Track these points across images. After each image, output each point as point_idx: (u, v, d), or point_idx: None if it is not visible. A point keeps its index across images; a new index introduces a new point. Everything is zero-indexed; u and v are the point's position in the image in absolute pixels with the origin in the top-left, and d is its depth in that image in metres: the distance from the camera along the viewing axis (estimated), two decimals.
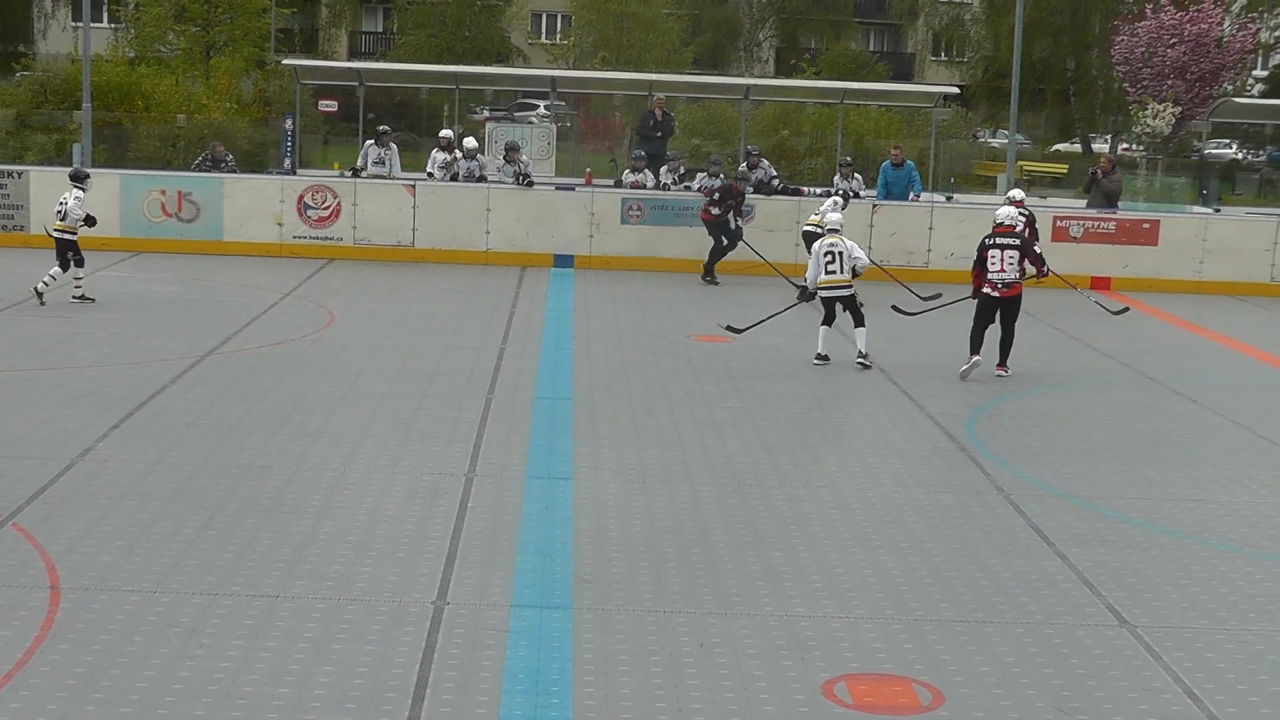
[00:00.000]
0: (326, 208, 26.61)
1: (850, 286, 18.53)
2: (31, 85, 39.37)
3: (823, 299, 18.64)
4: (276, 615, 9.80)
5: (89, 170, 22.82)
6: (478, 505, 12.26)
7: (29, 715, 8.25)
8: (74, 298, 20.81)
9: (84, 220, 20.83)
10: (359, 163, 28.28)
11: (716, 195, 25.04)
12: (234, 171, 27.98)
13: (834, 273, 18.46)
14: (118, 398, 15.39)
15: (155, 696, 8.53)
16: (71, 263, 20.79)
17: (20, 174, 27.23)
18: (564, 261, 26.42)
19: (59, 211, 20.98)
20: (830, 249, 18.53)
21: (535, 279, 24.98)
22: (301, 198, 26.68)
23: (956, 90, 36.28)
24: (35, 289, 20.56)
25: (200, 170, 27.90)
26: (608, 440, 14.57)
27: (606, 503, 12.50)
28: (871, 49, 77.40)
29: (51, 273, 20.81)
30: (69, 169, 23.65)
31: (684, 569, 10.97)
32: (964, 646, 9.72)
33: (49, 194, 26.16)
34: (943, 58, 76.20)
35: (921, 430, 15.59)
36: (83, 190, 21.17)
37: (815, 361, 18.49)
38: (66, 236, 20.83)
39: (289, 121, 32.11)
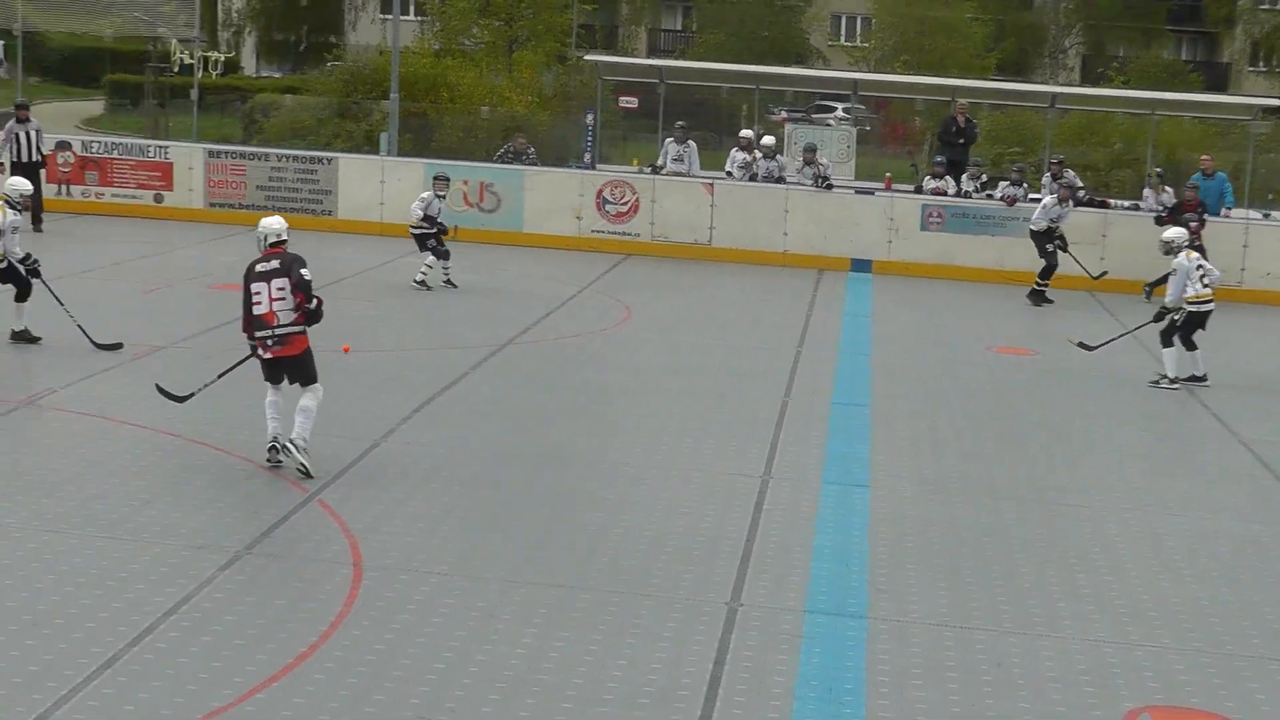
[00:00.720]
0: (625, 203, 26.80)
1: (1211, 301, 17.81)
2: (342, 75, 40.46)
3: (1191, 315, 17.79)
4: (571, 606, 9.84)
5: (443, 174, 23.25)
6: (773, 508, 12.17)
7: (330, 689, 8.41)
8: (415, 282, 21.55)
9: (428, 223, 21.37)
10: (659, 160, 28.42)
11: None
12: (535, 164, 28.35)
13: (1208, 286, 17.72)
14: (421, 382, 15.69)
15: (451, 679, 8.63)
16: (431, 252, 21.46)
17: (330, 160, 27.99)
18: (861, 266, 26.17)
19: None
20: (1200, 263, 17.80)
21: (832, 283, 24.79)
22: (601, 192, 26.91)
23: (1277, 103, 34.93)
24: (415, 280, 21.55)
25: (502, 162, 28.32)
26: (906, 449, 14.35)
27: (904, 512, 12.29)
28: (1184, 58, 75.13)
29: (427, 262, 21.53)
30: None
31: (983, 584, 10.72)
32: None
33: (356, 181, 26.93)
34: (1261, 68, 73.57)
35: (1232, 453, 15.00)
36: (433, 195, 21.70)
37: (1176, 384, 17.82)
38: (421, 231, 21.42)
39: (590, 117, 32.41)
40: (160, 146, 28.50)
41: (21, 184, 16.83)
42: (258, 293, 12.27)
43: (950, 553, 11.35)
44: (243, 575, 10.04)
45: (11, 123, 25.36)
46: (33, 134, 25.04)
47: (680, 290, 23.12)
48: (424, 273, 21.62)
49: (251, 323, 12.33)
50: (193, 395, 13.17)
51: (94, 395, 14.31)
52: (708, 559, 10.87)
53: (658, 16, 74.98)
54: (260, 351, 12.40)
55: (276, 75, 58.12)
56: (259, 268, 12.36)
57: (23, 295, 16.18)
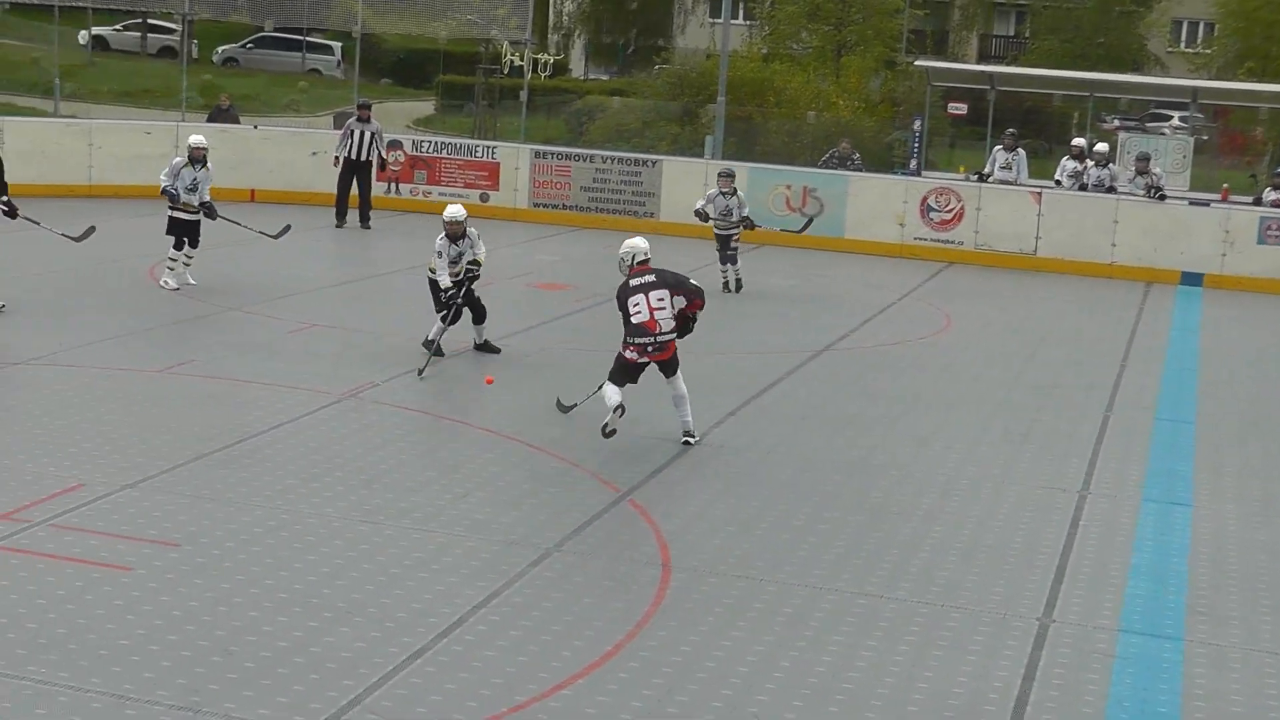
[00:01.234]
0: (950, 211, 26.42)
1: None
2: (669, 78, 40.78)
3: None
4: (879, 615, 9.71)
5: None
6: (1090, 523, 11.84)
7: (635, 686, 8.44)
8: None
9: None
10: (986, 168, 27.96)
11: None
12: (860, 170, 28.15)
13: None
14: (737, 385, 15.69)
15: (755, 683, 8.58)
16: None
17: (654, 163, 28.23)
18: (1192, 280, 25.28)
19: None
20: None
21: (1161, 296, 24.03)
22: (925, 199, 26.59)
23: None
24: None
25: (827, 167, 28.19)
26: (1231, 468, 13.82)
27: (1227, 533, 11.83)
28: None
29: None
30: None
31: None
32: None
33: (679, 183, 27.09)
34: None
35: None
36: (718, 191, 21.77)
37: None
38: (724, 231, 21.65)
39: (918, 123, 32.08)
40: (488, 147, 29.13)
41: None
42: (636, 304, 13.22)
43: (1274, 577, 10.88)
44: (552, 572, 10.15)
45: (351, 120, 26.18)
46: (369, 134, 25.80)
47: (1003, 299, 22.70)
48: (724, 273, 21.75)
49: (632, 331, 13.23)
50: (575, 407, 13.88)
51: (413, 389, 14.65)
52: (1020, 573, 10.62)
53: (989, 22, 73.76)
54: (640, 357, 13.28)
55: (604, 78, 58.90)
56: (633, 283, 13.33)
57: (479, 317, 16.60)
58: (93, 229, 19.06)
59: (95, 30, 54.75)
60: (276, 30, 57.88)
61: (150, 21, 56.11)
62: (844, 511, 11.81)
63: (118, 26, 57.67)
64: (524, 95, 32.58)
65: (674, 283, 13.43)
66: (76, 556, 9.86)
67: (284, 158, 28.23)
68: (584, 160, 28.27)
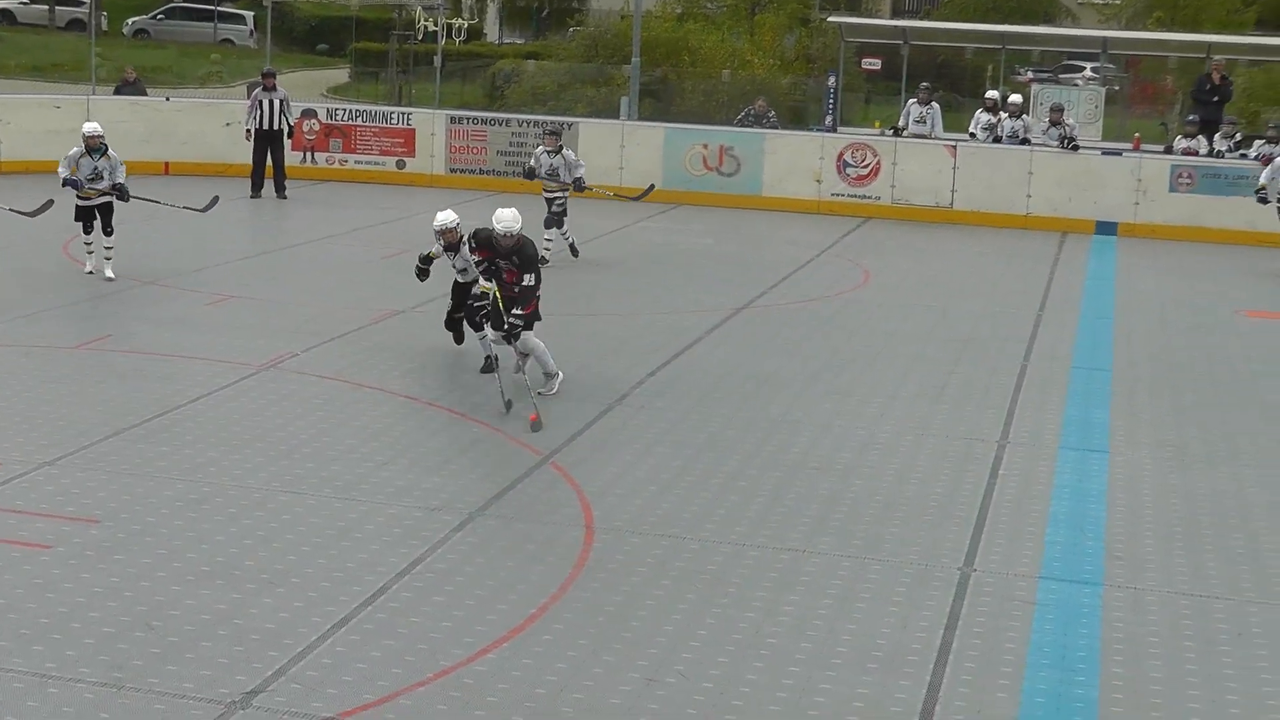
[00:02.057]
0: (866, 166, 26.52)
1: None
2: (583, 41, 40.70)
3: None
4: (801, 570, 9.79)
5: None
6: (1009, 473, 11.97)
7: (560, 648, 8.48)
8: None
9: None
10: (900, 122, 28.08)
11: None
12: (775, 127, 28.21)
13: None
14: (653, 347, 15.72)
15: (679, 641, 8.64)
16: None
17: (570, 125, 28.18)
18: (1106, 229, 25.51)
19: None
20: None
21: (1076, 246, 24.24)
22: (841, 155, 26.67)
23: None
24: None
25: (743, 125, 28.24)
26: (1146, 415, 13.99)
27: (1142, 479, 12.00)
28: None
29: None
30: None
31: (1222, 553, 10.42)
32: None
33: (596, 147, 27.06)
34: None
35: None
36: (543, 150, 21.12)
37: None
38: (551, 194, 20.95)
39: (832, 79, 32.16)
40: (403, 113, 28.96)
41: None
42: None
43: (1189, 520, 11.05)
44: (475, 536, 10.17)
45: (258, 90, 25.98)
46: (277, 102, 25.60)
47: (920, 253, 22.83)
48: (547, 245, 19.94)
49: None
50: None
51: (333, 358, 14.61)
52: (940, 524, 10.74)
53: None
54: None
55: (519, 42, 58.70)
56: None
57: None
58: (50, 202, 18.52)
59: (1, 4, 54.07)
60: (187, 1, 57.45)
61: None
62: (763, 469, 11.87)
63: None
64: (438, 61, 32.45)
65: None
66: None
67: (197, 129, 27.96)
68: (500, 124, 28.18)
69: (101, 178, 17.80)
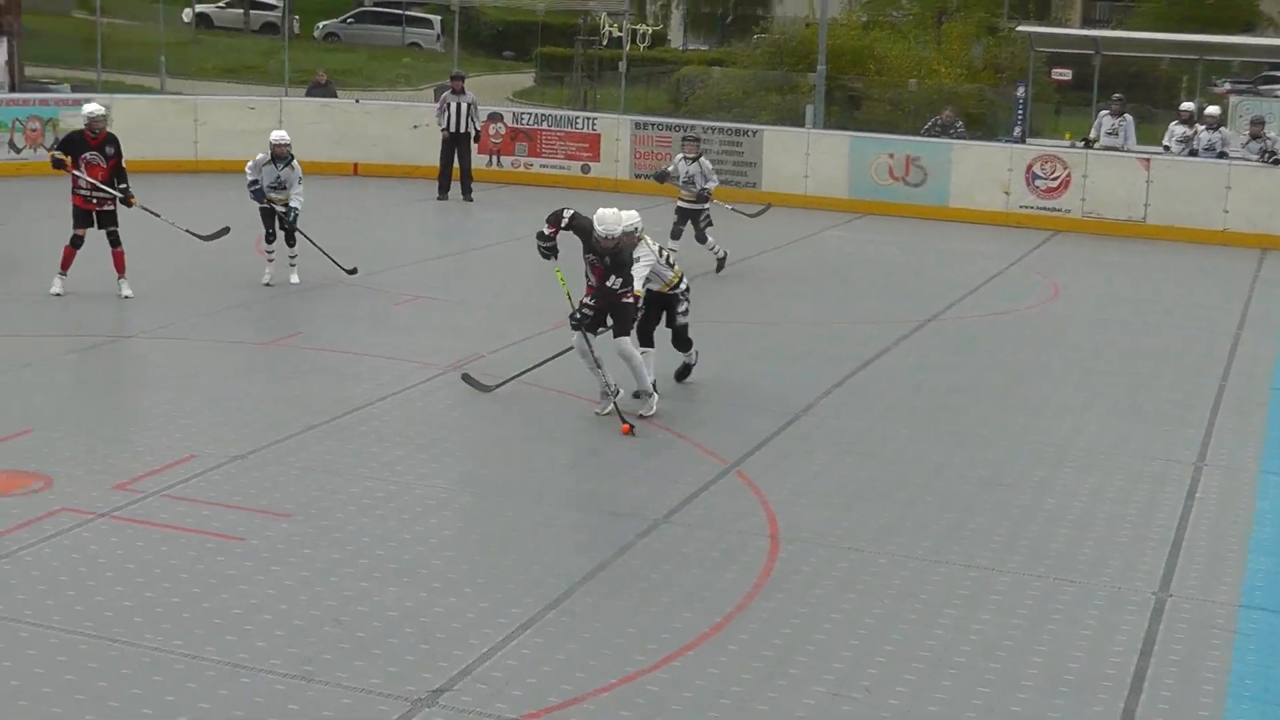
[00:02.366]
0: (1055, 178, 26.07)
1: None
2: (768, 47, 40.56)
3: None
4: (991, 588, 9.59)
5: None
6: (1206, 496, 11.63)
7: (744, 658, 8.38)
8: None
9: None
10: (1091, 133, 27.58)
11: None
12: (963, 137, 27.86)
13: None
14: (840, 356, 15.56)
15: (865, 656, 8.50)
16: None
17: (755, 133, 28.07)
18: None
19: None
20: None
21: (1276, 263, 23.58)
22: (1030, 167, 26.25)
23: None
24: None
25: (929, 135, 27.93)
26: None
27: None
28: None
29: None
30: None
31: None
32: None
33: (781, 153, 26.94)
34: None
35: None
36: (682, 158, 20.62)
37: None
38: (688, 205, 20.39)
39: (1021, 89, 31.71)
40: (588, 118, 29.08)
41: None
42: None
43: None
44: (660, 543, 10.10)
45: (447, 94, 26.21)
46: (465, 106, 25.80)
47: (1111, 268, 22.37)
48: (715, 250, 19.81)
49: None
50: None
51: (518, 361, 14.62)
52: (1135, 546, 10.46)
53: None
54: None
55: (703, 48, 58.72)
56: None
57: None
58: (226, 230, 18.34)
59: (199, 8, 55.28)
60: (376, 5, 58.29)
61: None
62: (953, 483, 11.68)
63: (221, 3, 58.22)
64: (623, 66, 32.49)
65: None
66: (189, 527, 9.93)
67: (386, 131, 28.34)
68: (685, 130, 28.09)
69: (284, 186, 17.68)
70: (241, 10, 57.82)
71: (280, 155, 17.61)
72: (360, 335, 15.55)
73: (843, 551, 10.08)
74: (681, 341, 13.80)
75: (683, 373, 14.01)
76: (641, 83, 40.76)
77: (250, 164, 17.77)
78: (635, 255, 12.98)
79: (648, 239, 13.28)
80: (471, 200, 25.57)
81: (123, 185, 16.82)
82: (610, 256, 12.69)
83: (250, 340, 15.29)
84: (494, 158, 28.36)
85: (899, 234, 24.33)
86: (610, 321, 12.85)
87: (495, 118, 28.49)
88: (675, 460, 12.01)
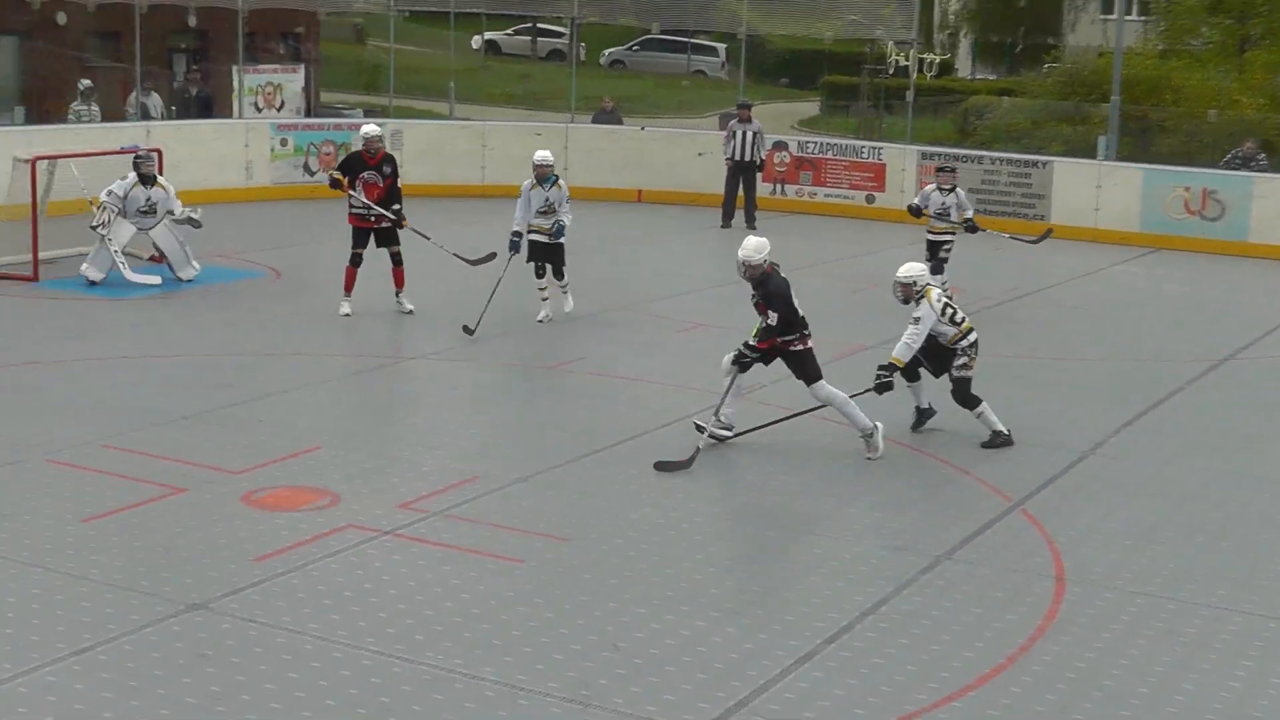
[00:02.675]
0: None
1: None
2: (1060, 77, 39.81)
3: None
4: None
5: None
6: None
7: (1028, 701, 8.18)
8: None
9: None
10: None
11: None
12: (1265, 170, 26.93)
13: None
14: (1133, 394, 15.13)
15: (1154, 706, 8.22)
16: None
17: (1045, 164, 27.54)
18: None
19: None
20: None
21: None
22: None
23: None
24: None
25: (1229, 168, 27.06)
26: None
27: None
28: None
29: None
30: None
31: None
32: None
33: (1071, 185, 26.38)
34: None
35: None
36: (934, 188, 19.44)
37: None
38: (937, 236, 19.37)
39: None
40: (874, 148, 28.84)
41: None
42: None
43: None
44: (943, 580, 9.91)
45: (733, 121, 26.26)
46: (751, 134, 25.81)
47: None
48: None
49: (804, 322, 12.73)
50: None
51: (797, 391, 14.43)
52: None
53: None
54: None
55: (991, 77, 57.94)
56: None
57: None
58: (493, 255, 17.68)
59: (488, 35, 56.41)
60: (662, 32, 58.79)
61: (540, 26, 57.60)
62: (1250, 529, 11.24)
63: (509, 31, 59.27)
64: (910, 95, 32.19)
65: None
66: (470, 547, 10.06)
67: (671, 158, 28.50)
68: (972, 161, 27.71)
69: (554, 211, 17.06)
70: (529, 37, 58.88)
71: (543, 176, 17.09)
72: (641, 361, 15.63)
73: (1130, 596, 9.77)
74: (962, 397, 13.05)
75: (918, 421, 13.38)
76: (928, 112, 40.36)
77: (521, 195, 17.21)
78: (914, 315, 12.69)
79: (933, 295, 12.82)
80: (755, 229, 25.53)
81: (396, 206, 17.04)
82: (758, 287, 12.48)
83: (535, 363, 15.48)
84: (778, 186, 28.32)
85: (1194, 270, 23.60)
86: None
87: (780, 146, 28.44)
88: (957, 496, 11.79)
